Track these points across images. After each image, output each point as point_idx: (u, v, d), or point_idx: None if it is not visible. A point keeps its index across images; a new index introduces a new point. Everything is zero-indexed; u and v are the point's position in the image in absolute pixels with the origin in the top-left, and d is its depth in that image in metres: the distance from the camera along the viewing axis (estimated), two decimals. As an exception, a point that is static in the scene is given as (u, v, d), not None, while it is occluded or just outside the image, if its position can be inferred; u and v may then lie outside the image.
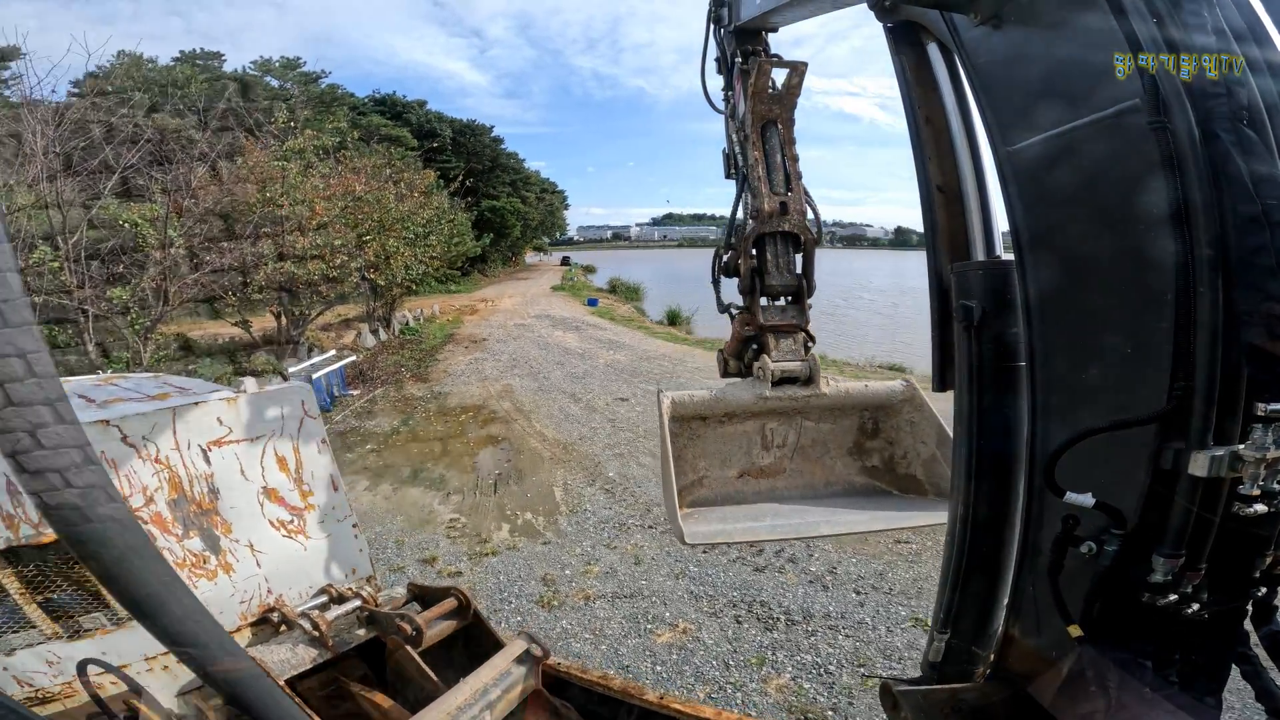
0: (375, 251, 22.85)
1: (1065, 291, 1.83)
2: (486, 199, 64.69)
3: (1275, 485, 1.46)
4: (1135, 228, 1.58)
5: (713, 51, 3.79)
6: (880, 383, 3.44)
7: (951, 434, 2.42)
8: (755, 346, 3.33)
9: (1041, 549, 1.93)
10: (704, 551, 8.44)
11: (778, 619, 7.10)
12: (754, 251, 3.29)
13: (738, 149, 3.54)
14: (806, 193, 3.30)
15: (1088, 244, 1.75)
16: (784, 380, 3.15)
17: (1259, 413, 1.43)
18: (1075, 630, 1.77)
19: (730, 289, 3.48)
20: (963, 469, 2.21)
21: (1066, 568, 1.82)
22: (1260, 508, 1.48)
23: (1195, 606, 1.64)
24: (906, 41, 2.51)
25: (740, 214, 3.48)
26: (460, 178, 41.78)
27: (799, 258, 3.32)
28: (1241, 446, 1.45)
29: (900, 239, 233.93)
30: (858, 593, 7.58)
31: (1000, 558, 2.18)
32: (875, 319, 42.13)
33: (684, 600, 7.52)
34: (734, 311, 3.47)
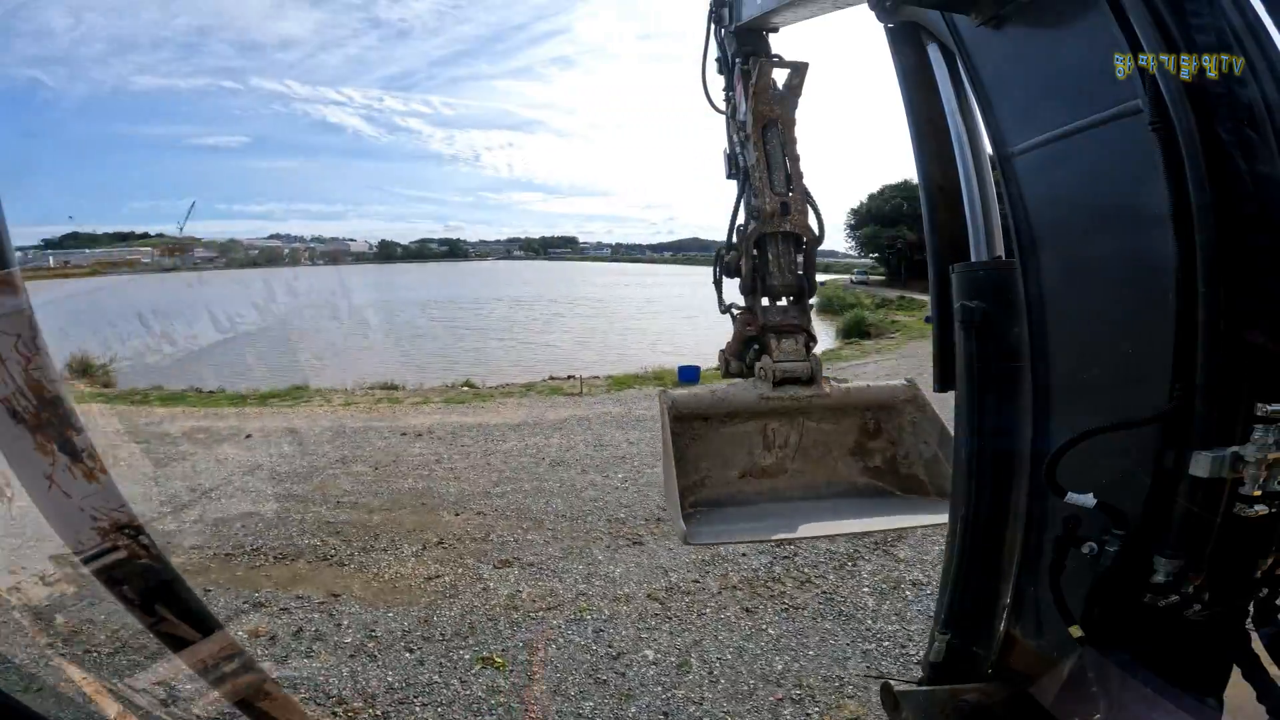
0: None
1: (1066, 292, 1.85)
2: None
3: (1276, 486, 1.46)
4: (1136, 228, 1.60)
5: (713, 51, 3.79)
6: (883, 383, 3.45)
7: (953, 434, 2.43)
8: (757, 347, 3.33)
9: (1043, 549, 1.94)
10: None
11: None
12: (755, 252, 3.31)
13: (738, 149, 3.54)
14: (808, 193, 3.32)
15: (1088, 245, 1.76)
16: (786, 380, 3.15)
17: (1260, 413, 1.43)
18: (1076, 631, 1.78)
19: (731, 290, 3.49)
20: (963, 469, 2.22)
21: (1068, 568, 1.83)
22: (1261, 508, 1.48)
23: (1197, 607, 1.63)
24: (907, 42, 2.54)
25: (741, 214, 3.47)
26: None
27: (800, 257, 3.34)
28: (1243, 447, 1.45)
29: (385, 252, 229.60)
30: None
31: (1001, 558, 2.18)
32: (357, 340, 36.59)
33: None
34: (735, 312, 3.48)
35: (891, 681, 2.26)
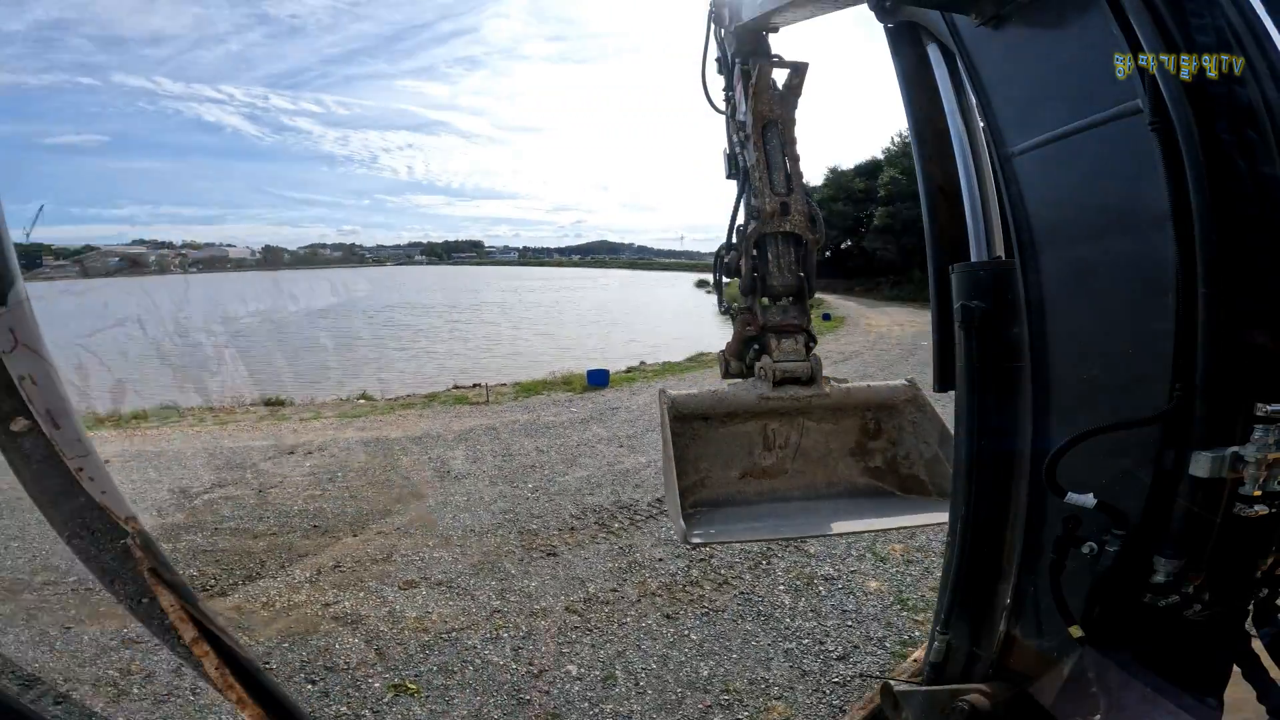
0: None
1: (1066, 292, 1.85)
2: None
3: (1276, 486, 1.47)
4: (1135, 229, 1.60)
5: (713, 51, 3.81)
6: (883, 383, 3.45)
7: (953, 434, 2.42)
8: (757, 347, 3.35)
9: (1043, 549, 1.94)
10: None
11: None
12: (755, 252, 3.31)
13: (738, 149, 3.54)
14: (808, 193, 3.33)
15: (1088, 245, 1.76)
16: (786, 380, 3.17)
17: (1260, 413, 1.45)
18: (1076, 631, 1.79)
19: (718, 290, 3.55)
20: (963, 469, 2.22)
21: (1068, 568, 1.84)
22: (1261, 508, 1.49)
23: (1197, 607, 1.65)
24: (907, 42, 2.55)
25: (741, 214, 3.46)
26: None
27: (800, 257, 3.35)
28: (1243, 447, 1.46)
29: (270, 258, 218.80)
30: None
31: (1001, 558, 2.19)
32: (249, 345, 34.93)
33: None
34: (735, 312, 3.47)
35: (892, 682, 2.27)
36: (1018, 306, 1.95)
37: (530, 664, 6.04)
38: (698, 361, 25.65)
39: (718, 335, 41.20)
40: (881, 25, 2.59)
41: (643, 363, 25.28)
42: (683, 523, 2.76)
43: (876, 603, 6.90)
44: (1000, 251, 2.41)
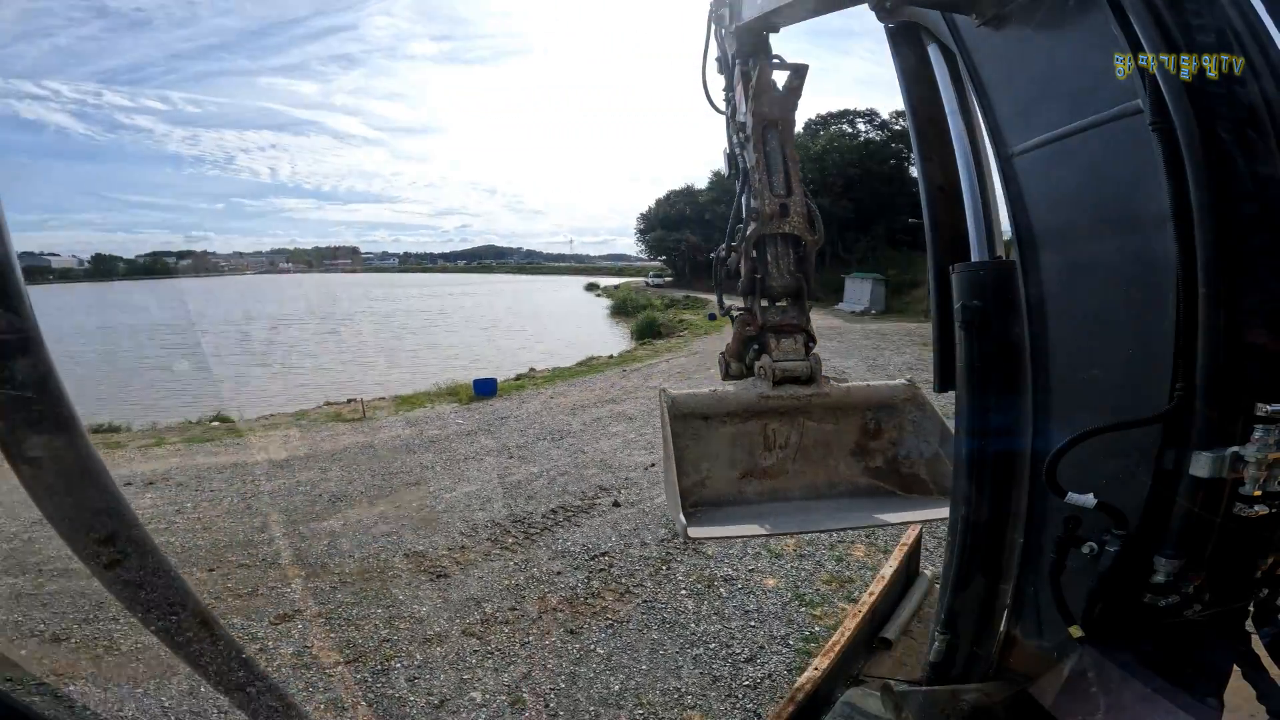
0: None
1: (1067, 292, 1.85)
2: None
3: (1276, 486, 1.47)
4: (1136, 228, 1.60)
5: (713, 51, 3.81)
6: (883, 382, 3.46)
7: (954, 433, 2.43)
8: (756, 347, 3.36)
9: (1043, 549, 1.94)
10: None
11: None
12: (754, 253, 3.32)
13: (738, 149, 3.55)
14: (807, 194, 3.33)
15: (1089, 245, 1.76)
16: (786, 379, 3.18)
17: (1260, 413, 1.45)
18: (1076, 631, 1.79)
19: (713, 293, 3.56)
20: (964, 469, 2.21)
21: (1068, 568, 1.84)
22: (1261, 508, 1.49)
23: (1197, 608, 1.65)
24: (907, 42, 2.57)
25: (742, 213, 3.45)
26: None
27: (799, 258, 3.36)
28: (1243, 447, 1.46)
29: (101, 268, 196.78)
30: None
31: (1001, 558, 2.18)
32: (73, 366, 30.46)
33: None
34: (734, 314, 3.46)
35: (892, 682, 2.23)
36: (1018, 306, 1.95)
37: (429, 694, 5.70)
38: (589, 366, 25.33)
39: (610, 338, 41.19)
40: (882, 25, 2.61)
41: (533, 369, 24.66)
42: (683, 517, 2.75)
43: (776, 600, 6.95)
44: (1000, 251, 2.41)
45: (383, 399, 18.79)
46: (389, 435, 14.53)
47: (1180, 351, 1.52)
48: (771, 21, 3.36)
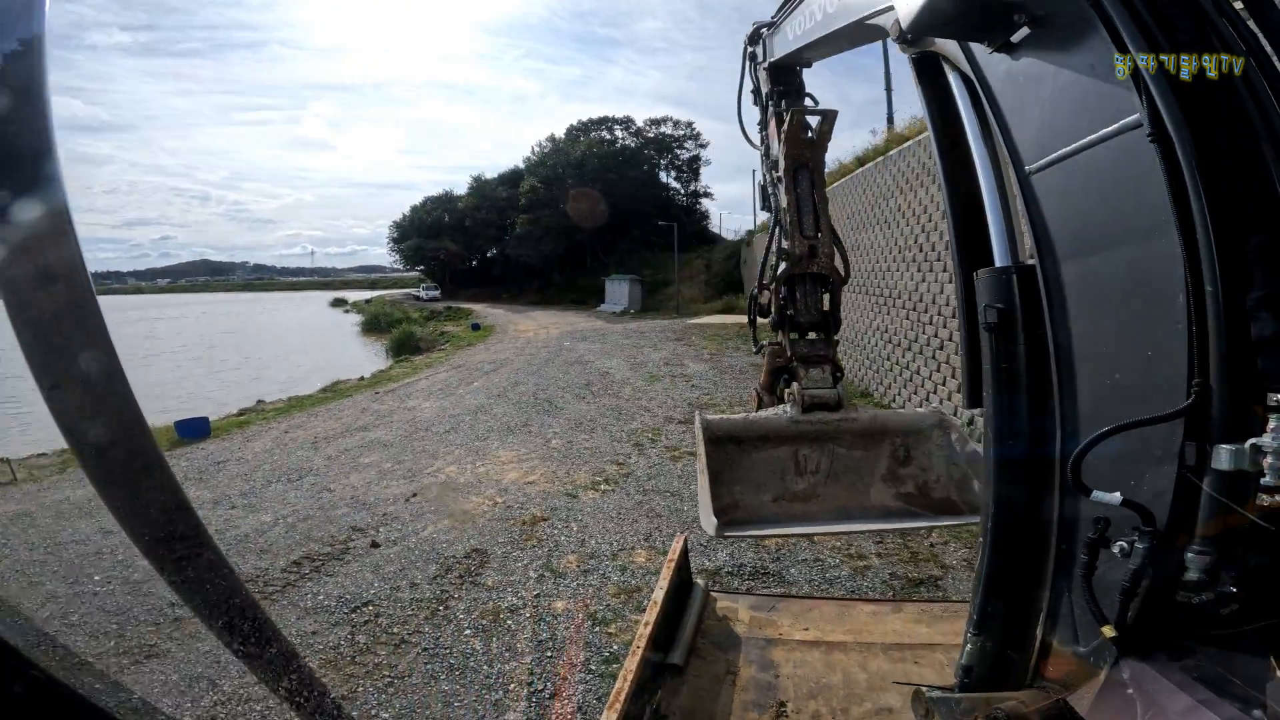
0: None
1: (1086, 299, 1.91)
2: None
3: None
4: (1144, 234, 1.68)
5: (748, 84, 4.08)
6: (911, 410, 3.64)
7: (982, 455, 2.47)
8: (786, 376, 3.58)
9: (1074, 551, 1.96)
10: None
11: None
12: (784, 291, 3.59)
13: (770, 188, 3.81)
14: (835, 234, 3.59)
15: (1102, 253, 1.84)
16: (814, 405, 3.37)
17: (1273, 403, 1.48)
18: (1109, 631, 1.79)
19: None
20: (994, 471, 2.23)
21: (1100, 569, 1.86)
22: None
23: (1234, 606, 1.64)
24: (929, 71, 2.67)
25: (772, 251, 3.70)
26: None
27: (827, 296, 3.65)
28: (1261, 438, 1.49)
29: None
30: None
31: (1034, 561, 2.17)
32: None
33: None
34: (766, 349, 3.69)
35: (923, 688, 2.23)
36: (1041, 309, 2.03)
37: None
38: (335, 391, 22.74)
39: (361, 358, 36.55)
40: (906, 56, 2.72)
41: (261, 402, 21.96)
42: (713, 516, 2.86)
43: (568, 624, 6.67)
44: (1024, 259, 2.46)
45: (44, 455, 14.71)
46: (55, 499, 11.54)
47: (1194, 348, 1.58)
48: (803, 57, 3.58)
